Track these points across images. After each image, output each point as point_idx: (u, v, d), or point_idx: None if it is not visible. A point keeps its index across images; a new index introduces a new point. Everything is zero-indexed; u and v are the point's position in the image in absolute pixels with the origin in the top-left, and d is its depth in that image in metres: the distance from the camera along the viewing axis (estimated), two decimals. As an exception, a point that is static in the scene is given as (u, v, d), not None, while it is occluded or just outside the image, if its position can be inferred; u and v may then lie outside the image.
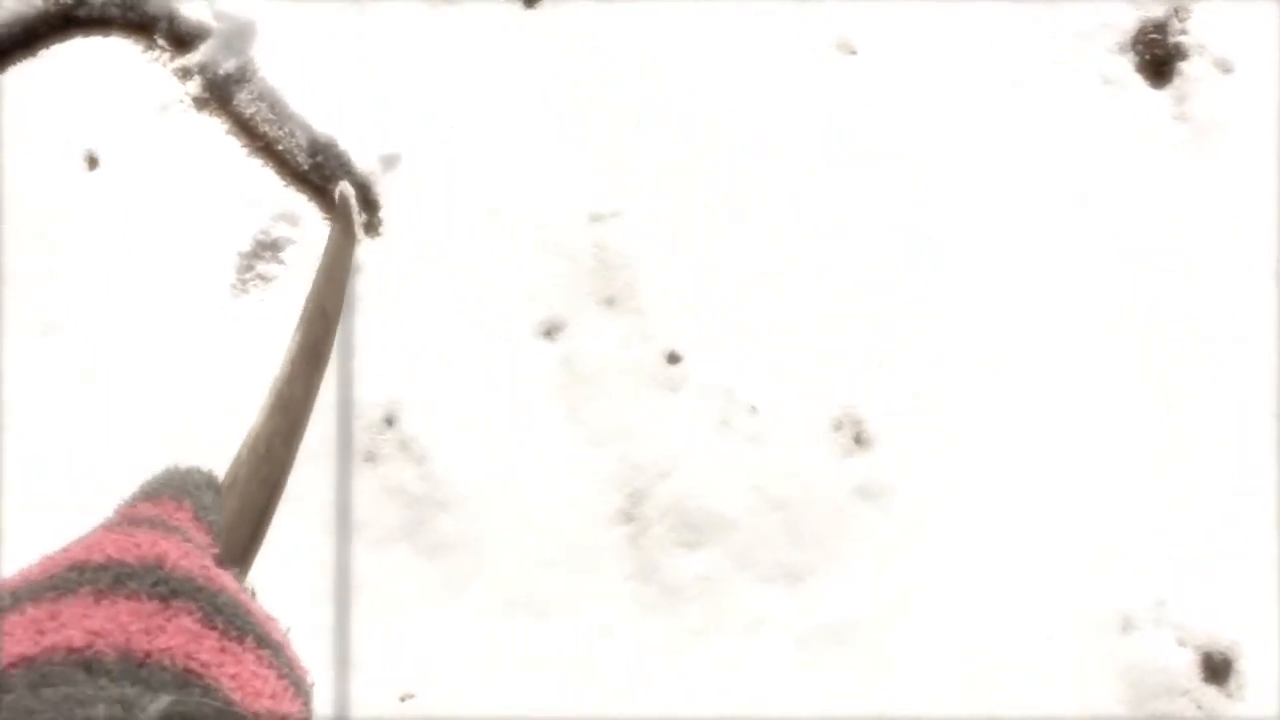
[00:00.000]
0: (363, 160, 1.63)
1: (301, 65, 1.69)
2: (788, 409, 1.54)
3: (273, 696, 0.55)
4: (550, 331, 1.55)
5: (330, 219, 1.60)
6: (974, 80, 1.77)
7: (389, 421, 1.50)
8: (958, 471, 1.58)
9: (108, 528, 0.60)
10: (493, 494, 1.49)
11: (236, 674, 0.53)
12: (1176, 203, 1.75)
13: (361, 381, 1.53)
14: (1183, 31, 1.86)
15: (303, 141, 1.66)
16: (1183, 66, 1.84)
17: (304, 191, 1.64)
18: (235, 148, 1.66)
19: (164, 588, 0.54)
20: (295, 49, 1.69)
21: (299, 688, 0.59)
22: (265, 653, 0.57)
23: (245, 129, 1.67)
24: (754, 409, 1.52)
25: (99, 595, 0.52)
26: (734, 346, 1.57)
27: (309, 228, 1.61)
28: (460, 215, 1.60)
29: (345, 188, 1.57)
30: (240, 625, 0.56)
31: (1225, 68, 1.85)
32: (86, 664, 0.49)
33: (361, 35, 1.70)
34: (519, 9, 1.71)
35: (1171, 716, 1.53)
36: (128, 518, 0.62)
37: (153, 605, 0.53)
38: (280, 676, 0.57)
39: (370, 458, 1.51)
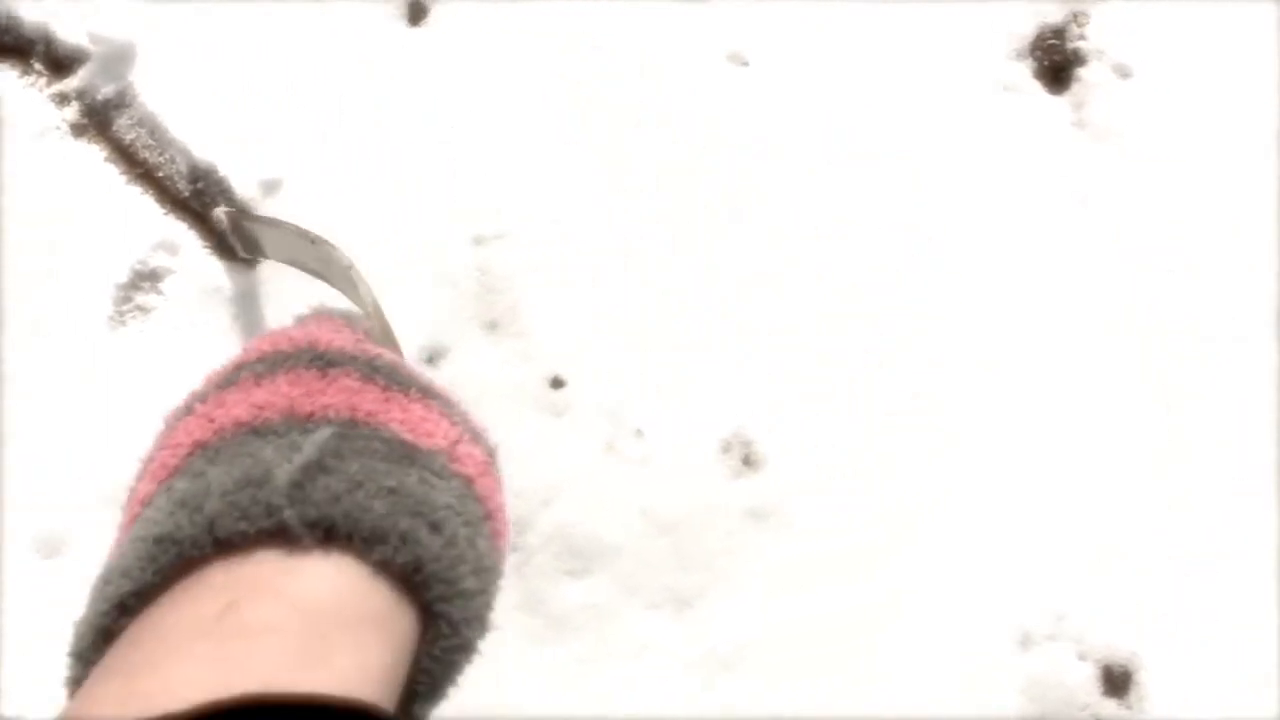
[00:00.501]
0: (242, 186, 1.60)
1: (183, 89, 1.65)
2: (675, 431, 1.52)
3: (445, 437, 0.55)
4: (433, 357, 1.53)
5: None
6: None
7: (265, 455, 1.46)
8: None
9: (260, 336, 0.62)
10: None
11: (404, 418, 0.54)
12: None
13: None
14: (1081, 37, 1.85)
15: (183, 168, 1.62)
16: (1081, 72, 1.84)
17: (184, 219, 1.60)
18: (114, 175, 1.62)
19: (321, 361, 0.55)
20: (176, 72, 1.65)
21: (477, 436, 0.59)
22: (434, 402, 0.57)
23: (124, 156, 1.63)
24: (640, 432, 1.50)
25: (258, 378, 0.54)
26: (622, 369, 1.55)
27: (189, 257, 1.58)
28: (341, 241, 1.57)
29: (223, 214, 1.54)
30: (403, 380, 0.56)
31: (1124, 73, 1.84)
32: (255, 429, 0.51)
33: (245, 58, 1.67)
34: (403, 27, 1.68)
35: (1066, 731, 1.52)
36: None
37: (311, 374, 0.54)
38: (453, 424, 0.57)
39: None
